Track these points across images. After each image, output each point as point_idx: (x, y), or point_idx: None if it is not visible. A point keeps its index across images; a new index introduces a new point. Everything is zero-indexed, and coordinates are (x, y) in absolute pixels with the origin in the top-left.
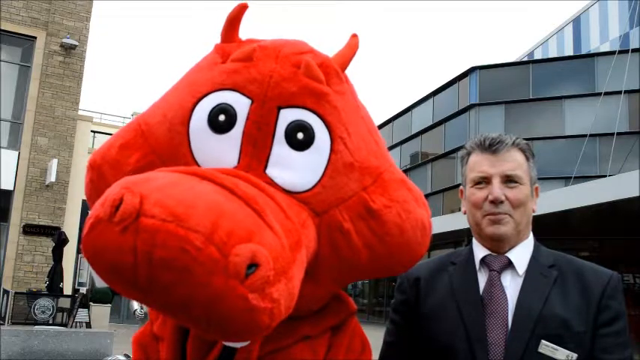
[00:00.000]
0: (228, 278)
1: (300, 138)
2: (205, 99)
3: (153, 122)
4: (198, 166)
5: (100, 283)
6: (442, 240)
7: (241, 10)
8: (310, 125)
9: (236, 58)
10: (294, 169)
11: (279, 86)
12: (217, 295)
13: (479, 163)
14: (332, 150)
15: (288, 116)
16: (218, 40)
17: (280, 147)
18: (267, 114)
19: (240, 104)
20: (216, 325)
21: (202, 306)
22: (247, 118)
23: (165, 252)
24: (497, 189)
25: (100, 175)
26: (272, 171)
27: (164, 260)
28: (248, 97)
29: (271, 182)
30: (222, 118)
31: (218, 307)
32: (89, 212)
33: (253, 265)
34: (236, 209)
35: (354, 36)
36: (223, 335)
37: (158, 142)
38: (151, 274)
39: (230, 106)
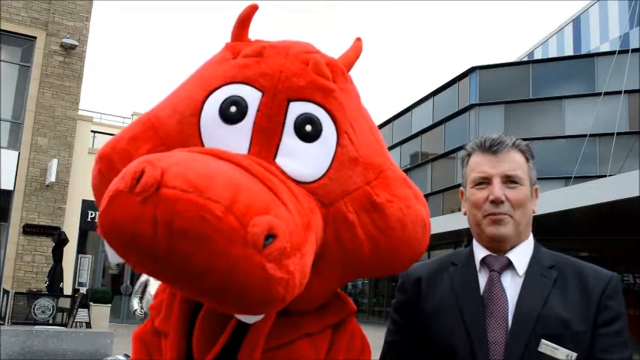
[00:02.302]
0: (247, 247)
1: (308, 130)
2: (217, 92)
3: (163, 115)
4: None
5: (113, 259)
6: (442, 240)
7: (252, 10)
8: (318, 118)
9: (247, 54)
10: (302, 160)
11: (289, 80)
12: (235, 264)
13: (479, 164)
14: (338, 144)
15: (297, 109)
16: (224, 39)
17: (289, 138)
18: (278, 106)
19: (251, 97)
20: (232, 294)
21: (220, 275)
22: (258, 110)
23: (185, 221)
24: (497, 189)
25: (109, 166)
26: (281, 160)
27: (184, 229)
28: (259, 89)
29: (280, 171)
30: (233, 109)
31: (236, 276)
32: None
33: (270, 237)
34: (253, 185)
35: (358, 39)
36: (238, 306)
37: (168, 134)
38: (170, 244)
39: (241, 98)
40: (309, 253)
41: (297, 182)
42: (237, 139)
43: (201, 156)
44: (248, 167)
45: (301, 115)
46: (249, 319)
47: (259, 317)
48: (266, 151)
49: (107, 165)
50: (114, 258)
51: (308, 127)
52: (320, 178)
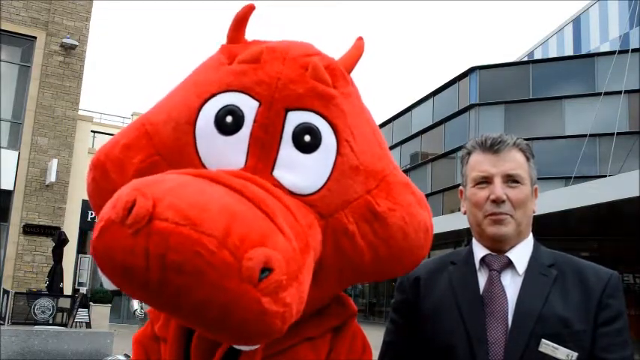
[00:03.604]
0: (242, 282)
1: (307, 140)
2: (212, 100)
3: (157, 121)
4: (204, 167)
5: (108, 286)
6: (442, 240)
7: (248, 10)
8: (317, 128)
9: (243, 59)
10: (301, 172)
11: (286, 88)
12: (231, 299)
13: (480, 163)
14: (338, 153)
15: (295, 119)
16: (221, 40)
17: (287, 149)
18: (275, 116)
19: (248, 106)
20: (228, 328)
21: (215, 309)
22: (254, 121)
23: (179, 255)
24: (498, 188)
25: (103, 174)
26: (279, 173)
27: (177, 263)
28: (256, 99)
29: (278, 184)
30: (229, 119)
31: (231, 311)
32: (93, 215)
33: (266, 270)
34: (247, 212)
35: (360, 39)
36: (235, 339)
37: (163, 142)
38: (163, 277)
39: (237, 107)
40: (306, 278)
41: (296, 195)
42: (233, 150)
43: (195, 180)
44: (242, 190)
45: (300, 125)
46: (245, 348)
47: (256, 347)
48: (263, 163)
49: (101, 173)
50: (108, 285)
51: (307, 138)
52: (319, 190)
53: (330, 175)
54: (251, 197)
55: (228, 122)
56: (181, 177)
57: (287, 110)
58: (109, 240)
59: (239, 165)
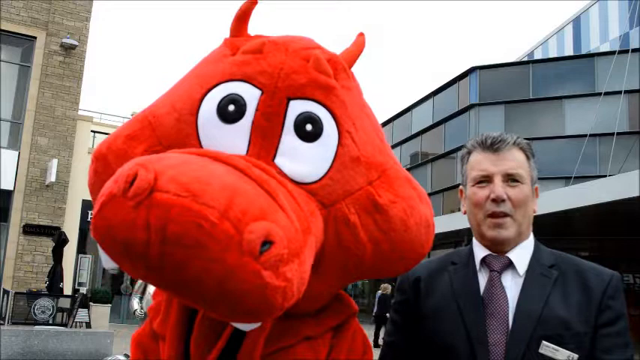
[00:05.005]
0: (243, 254)
1: (308, 129)
2: (215, 89)
3: (161, 113)
4: None
5: (107, 264)
6: (442, 240)
7: (251, 5)
8: (319, 117)
9: (246, 50)
10: (303, 160)
11: (289, 78)
12: (231, 271)
13: (480, 162)
14: (339, 143)
15: (297, 108)
16: (224, 37)
17: (289, 137)
18: (277, 105)
19: (250, 95)
20: (228, 303)
21: (215, 283)
22: (257, 109)
23: (179, 227)
24: (499, 187)
25: (105, 165)
26: (281, 161)
27: (177, 235)
28: (258, 88)
29: (280, 172)
30: (231, 108)
31: (231, 284)
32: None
33: (267, 243)
34: (249, 189)
35: (361, 35)
36: (235, 314)
37: (166, 133)
38: (163, 250)
39: (240, 96)
40: (308, 258)
41: (297, 183)
42: (235, 139)
43: (197, 158)
44: (245, 170)
45: (302, 114)
46: (245, 327)
47: (256, 325)
48: (265, 151)
49: (103, 165)
50: (108, 263)
51: (308, 127)
52: (321, 179)
53: (332, 165)
54: (254, 177)
55: (230, 111)
56: (184, 155)
57: (289, 99)
58: (110, 214)
59: (241, 153)
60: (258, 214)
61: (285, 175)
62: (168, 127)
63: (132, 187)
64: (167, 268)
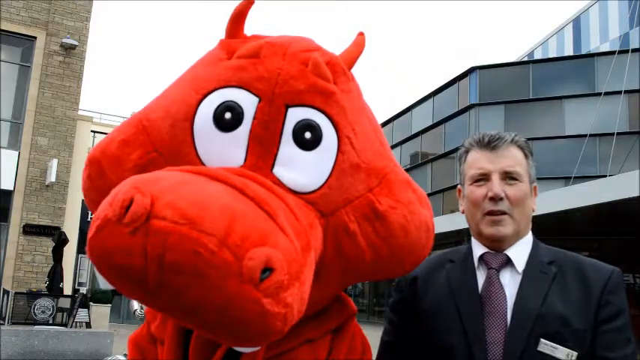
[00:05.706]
0: (242, 282)
1: (307, 137)
2: (210, 96)
3: (155, 117)
4: (203, 164)
5: (104, 285)
6: (442, 240)
7: (247, 5)
8: (318, 125)
9: (242, 54)
10: (301, 170)
11: (287, 84)
12: (231, 300)
13: (478, 160)
14: (339, 150)
15: (296, 115)
16: (220, 37)
17: (288, 146)
18: (275, 113)
19: (247, 102)
20: (228, 330)
21: (215, 310)
22: (254, 117)
23: (177, 255)
24: (496, 185)
25: (99, 171)
26: (279, 170)
27: (176, 263)
28: (255, 95)
29: (278, 182)
30: (228, 116)
31: (231, 312)
32: (90, 213)
33: (268, 270)
34: (248, 211)
35: (361, 34)
36: (235, 340)
37: (160, 138)
38: (161, 278)
39: (236, 103)
40: (308, 278)
41: (296, 193)
42: (232, 148)
43: (194, 177)
44: (243, 188)
45: (300, 121)
46: (246, 349)
47: (256, 349)
48: (263, 161)
49: (96, 171)
50: (105, 284)
51: (307, 134)
52: (320, 188)
53: (331, 173)
54: (252, 196)
55: (227, 119)
56: (180, 174)
57: (287, 106)
58: (106, 239)
59: (238, 162)
60: (257, 239)
61: (283, 186)
62: (162, 133)
63: (128, 213)
64: (165, 294)
